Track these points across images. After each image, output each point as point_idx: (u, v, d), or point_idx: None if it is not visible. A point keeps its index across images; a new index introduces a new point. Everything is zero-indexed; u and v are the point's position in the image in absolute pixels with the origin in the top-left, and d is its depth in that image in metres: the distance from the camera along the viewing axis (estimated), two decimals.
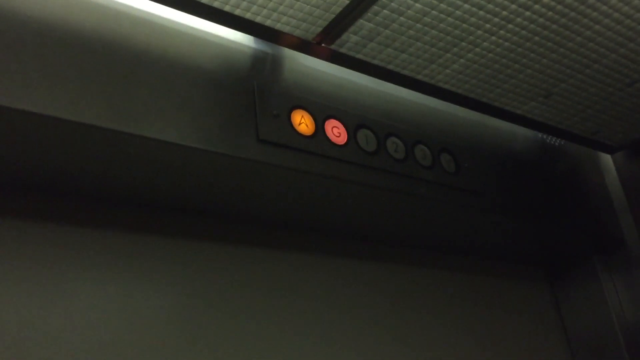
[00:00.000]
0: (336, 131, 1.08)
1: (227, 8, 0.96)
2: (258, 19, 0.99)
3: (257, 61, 1.06)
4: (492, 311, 1.45)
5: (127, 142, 0.87)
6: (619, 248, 1.53)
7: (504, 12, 1.03)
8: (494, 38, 1.08)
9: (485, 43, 1.09)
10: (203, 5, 0.94)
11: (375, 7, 0.99)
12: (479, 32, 1.07)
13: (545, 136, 1.53)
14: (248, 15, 0.98)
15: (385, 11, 1.00)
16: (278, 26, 1.01)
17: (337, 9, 0.98)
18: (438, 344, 1.31)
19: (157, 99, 0.90)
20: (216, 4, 0.95)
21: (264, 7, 0.96)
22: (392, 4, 0.99)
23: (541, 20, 1.05)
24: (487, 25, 1.05)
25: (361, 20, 1.01)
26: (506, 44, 1.10)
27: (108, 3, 0.92)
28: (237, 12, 0.97)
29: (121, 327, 0.95)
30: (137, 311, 0.97)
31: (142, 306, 0.98)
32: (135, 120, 0.86)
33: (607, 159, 1.61)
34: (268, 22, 1.00)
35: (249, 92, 1.00)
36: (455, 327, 1.36)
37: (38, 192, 0.95)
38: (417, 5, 0.99)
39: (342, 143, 1.07)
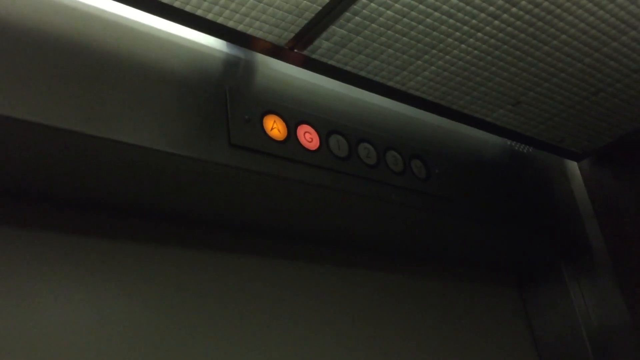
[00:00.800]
0: (308, 136, 1.08)
1: (199, 12, 0.95)
2: (230, 24, 0.99)
3: (229, 66, 1.06)
4: (460, 316, 1.47)
5: (96, 145, 0.86)
6: (585, 254, 1.55)
7: (474, 21, 1.04)
8: (463, 46, 1.10)
9: (455, 51, 1.11)
10: (175, 9, 0.94)
11: (347, 14, 1.00)
12: (450, 39, 1.08)
13: (513, 143, 1.56)
14: (220, 20, 0.98)
15: (357, 18, 1.01)
16: (250, 31, 1.01)
17: (309, 15, 0.99)
18: (408, 349, 1.32)
19: (128, 103, 0.89)
20: (188, 8, 0.94)
21: (237, 12, 0.96)
22: (364, 10, 1.00)
23: (509, 29, 1.07)
24: (457, 33, 1.07)
25: (333, 27, 1.02)
26: (475, 52, 1.12)
27: (78, 5, 0.91)
28: (210, 16, 0.96)
29: (92, 334, 0.93)
30: (109, 318, 0.96)
31: (113, 313, 0.96)
32: (106, 123, 0.85)
33: (573, 166, 1.64)
34: (240, 27, 1.00)
35: (221, 96, 1.00)
36: (425, 332, 1.37)
37: (5, 197, 0.93)
38: (389, 12, 1.00)
39: (314, 148, 1.08)
